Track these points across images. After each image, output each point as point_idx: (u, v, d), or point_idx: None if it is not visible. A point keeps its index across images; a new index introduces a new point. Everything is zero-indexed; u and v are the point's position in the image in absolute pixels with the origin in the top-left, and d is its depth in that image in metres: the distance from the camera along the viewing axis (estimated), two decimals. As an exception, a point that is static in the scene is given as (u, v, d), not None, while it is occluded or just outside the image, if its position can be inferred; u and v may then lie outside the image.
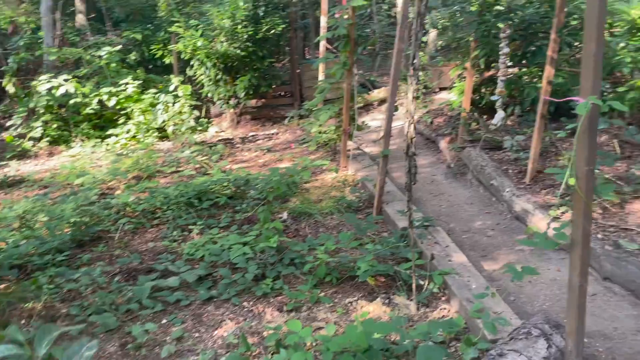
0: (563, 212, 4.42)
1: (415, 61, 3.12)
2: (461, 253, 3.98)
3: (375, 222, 4.70)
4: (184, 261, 4.15)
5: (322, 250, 3.97)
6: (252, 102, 10.00)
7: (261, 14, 9.27)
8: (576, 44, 6.13)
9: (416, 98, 7.67)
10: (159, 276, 3.91)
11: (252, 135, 9.11)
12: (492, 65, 6.36)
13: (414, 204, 5.31)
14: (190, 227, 4.81)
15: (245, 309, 3.55)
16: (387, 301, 3.54)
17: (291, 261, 4.05)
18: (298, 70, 10.25)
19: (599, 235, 4.01)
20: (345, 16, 5.99)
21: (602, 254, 3.70)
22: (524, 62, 6.33)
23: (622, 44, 5.50)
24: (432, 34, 9.91)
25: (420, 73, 7.88)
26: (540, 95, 4.92)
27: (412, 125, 3.26)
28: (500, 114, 5.33)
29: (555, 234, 2.53)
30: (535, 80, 6.23)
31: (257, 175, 5.91)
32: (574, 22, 6.03)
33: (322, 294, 3.67)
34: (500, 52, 5.28)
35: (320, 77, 8.16)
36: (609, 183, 4.24)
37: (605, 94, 5.70)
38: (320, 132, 7.24)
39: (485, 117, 6.93)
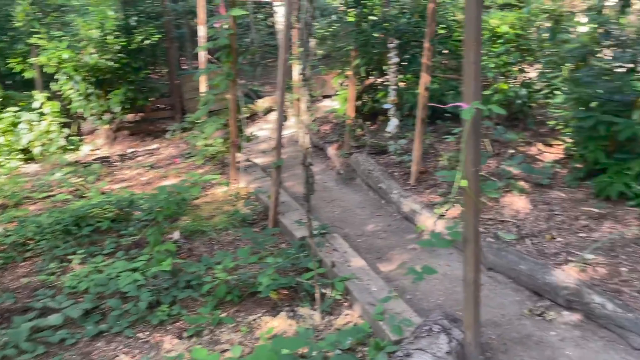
0: (447, 210, 4.70)
1: (305, 71, 3.11)
2: (359, 257, 4.06)
3: (272, 234, 4.63)
4: (66, 295, 3.75)
5: (220, 268, 3.81)
6: (129, 117, 9.42)
7: (133, 23, 8.79)
8: (445, 51, 6.59)
9: (308, 107, 7.68)
10: (37, 315, 3.49)
11: (132, 152, 8.58)
12: (372, 73, 6.62)
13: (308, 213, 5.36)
14: (69, 257, 4.37)
15: (141, 341, 3.30)
16: (291, 314, 3.49)
17: (187, 284, 3.84)
18: (177, 82, 9.87)
19: (481, 229, 4.30)
20: (226, 26, 5.87)
21: (485, 246, 3.98)
22: (400, 69, 6.66)
23: (484, 51, 6.00)
24: (312, 43, 10.09)
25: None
26: (419, 101, 5.19)
27: (308, 136, 3.24)
28: (393, 121, 5.56)
29: (449, 232, 2.65)
30: (412, 87, 6.59)
31: (142, 195, 5.55)
32: (441, 31, 6.48)
33: (224, 314, 3.53)
34: (389, 62, 5.50)
35: (203, 88, 7.92)
36: (487, 180, 4.58)
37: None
38: (206, 145, 7.02)
39: (368, 123, 7.19)
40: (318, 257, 3.99)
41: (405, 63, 6.44)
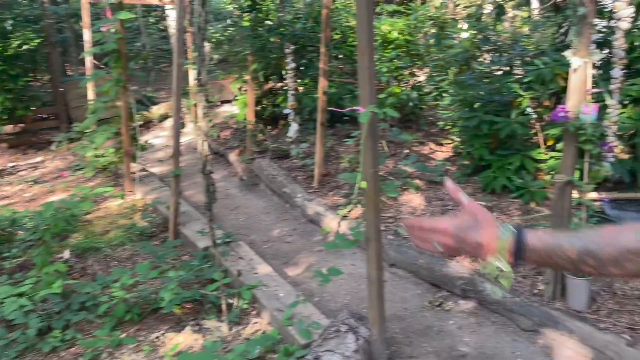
0: (350, 210, 4.80)
1: (201, 76, 3.03)
2: (265, 264, 4.02)
3: (173, 246, 4.45)
4: (-63, 331, 3.33)
5: (117, 286, 3.59)
6: (8, 128, 8.62)
7: (9, 27, 8.06)
8: (340, 56, 6.75)
9: (205, 114, 7.49)
10: None
11: (13, 167, 7.85)
12: (271, 78, 6.62)
13: (212, 222, 5.22)
14: (-61, 287, 3.89)
15: (31, 372, 3.01)
16: (197, 328, 3.37)
17: (82, 305, 3.57)
18: (62, 89, 9.19)
19: (382, 227, 4.44)
20: (114, 30, 5.57)
21: (387, 244, 4.12)
22: (297, 74, 6.73)
23: (376, 56, 6.23)
24: (207, 47, 9.86)
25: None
26: (318, 105, 5.27)
27: (206, 143, 3.15)
28: (294, 126, 5.58)
29: (352, 233, 2.71)
30: (311, 91, 6.67)
31: (26, 213, 5.08)
32: (337, 36, 6.64)
33: (124, 334, 3.32)
34: (287, 67, 5.51)
35: (91, 95, 7.45)
36: (387, 180, 4.75)
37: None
38: (97, 156, 6.59)
39: (270, 128, 7.17)
40: (223, 267, 3.90)
41: (303, 68, 6.51)
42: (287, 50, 5.42)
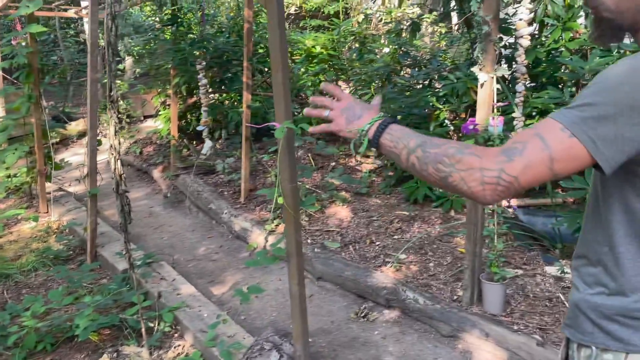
0: (277, 225, 4.79)
1: (112, 93, 2.91)
2: (189, 284, 3.91)
3: (91, 270, 4.23)
4: None
5: (28, 315, 3.36)
6: None
7: None
8: (266, 69, 6.76)
9: (121, 129, 7.25)
10: None
11: None
12: (195, 92, 6.50)
13: (134, 241, 5.01)
14: None
15: None
16: (115, 355, 3.20)
17: (-13, 338, 3.31)
18: (-31, 105, 8.57)
19: (309, 240, 4.46)
20: (24, 43, 5.28)
21: (313, 257, 4.13)
22: (223, 88, 6.66)
23: (302, 70, 6.29)
24: (129, 61, 9.57)
25: (122, 102, 7.52)
26: (242, 119, 5.23)
27: (119, 161, 3.03)
28: (208, 143, 5.50)
29: (273, 249, 2.69)
30: (236, 104, 6.62)
31: None
32: (261, 51, 6.64)
33: (35, 367, 3.11)
34: (199, 83, 5.43)
35: (1, 112, 7.00)
36: (311, 194, 4.77)
37: (295, 114, 6.45)
38: (9, 177, 6.19)
39: (194, 142, 7.03)
40: (143, 289, 3.75)
41: (227, 82, 6.46)
42: (199, 67, 5.36)
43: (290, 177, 2.53)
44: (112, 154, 2.99)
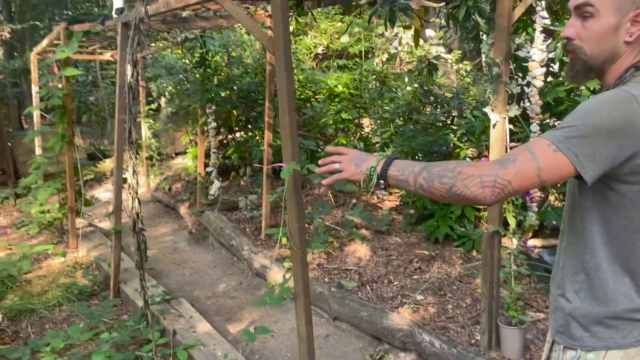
0: (296, 263, 4.79)
1: (132, 135, 3.04)
2: (205, 322, 3.93)
3: (113, 305, 4.32)
4: None
5: (48, 351, 3.44)
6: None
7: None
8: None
9: (152, 166, 7.45)
10: None
11: (-46, 223, 7.55)
12: (221, 130, 6.69)
13: (157, 277, 5.10)
14: None
15: None
16: (129, 392, 3.23)
17: (7, 373, 3.39)
18: (10, 144, 9.02)
19: (326, 279, 4.45)
20: (60, 85, 5.57)
21: (330, 296, 4.10)
22: (249, 126, 6.82)
23: (324, 109, 6.40)
24: (162, 101, 9.93)
25: (153, 140, 7.79)
26: (264, 157, 5.33)
27: (137, 200, 3.13)
28: (216, 184, 5.61)
29: (280, 288, 2.69)
30: (260, 142, 6.74)
31: (-41, 274, 4.87)
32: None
33: (51, 403, 3.15)
34: (209, 127, 5.58)
35: (38, 151, 7.33)
36: (330, 231, 4.75)
37: (319, 150, 6.54)
38: (42, 212, 6.43)
39: (221, 179, 7.17)
40: (160, 326, 3.79)
41: (252, 120, 6.62)
42: (208, 110, 5.53)
43: (297, 216, 2.55)
44: (130, 193, 3.09)
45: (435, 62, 4.66)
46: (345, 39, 9.26)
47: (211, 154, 5.59)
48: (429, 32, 6.87)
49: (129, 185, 3.14)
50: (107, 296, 4.61)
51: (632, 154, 1.17)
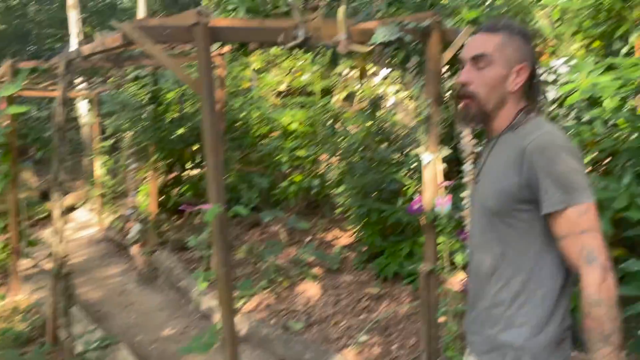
0: (243, 304, 4.69)
1: (58, 177, 2.95)
2: (143, 369, 3.78)
3: (48, 352, 4.12)
4: None
5: (-32, 405, 3.24)
6: None
7: None
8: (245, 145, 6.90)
9: (105, 203, 7.18)
10: None
11: None
12: (174, 167, 6.62)
13: (100, 321, 4.91)
14: None
15: None
16: None
17: None
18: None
19: (272, 321, 4.35)
20: (5, 123, 5.44)
21: (275, 339, 4.00)
22: (203, 164, 6.77)
23: (280, 145, 6.42)
24: (128, 136, 9.78)
25: (107, 178, 7.64)
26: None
27: (62, 244, 3.02)
28: (136, 226, 5.50)
29: (208, 335, 2.61)
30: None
31: None
32: (240, 127, 6.80)
33: None
34: (130, 168, 5.53)
35: (-16, 189, 7.09)
36: (247, 281, 4.68)
37: (278, 188, 6.51)
38: (-16, 253, 6.17)
39: (174, 217, 7.05)
40: (93, 375, 3.62)
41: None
42: (128, 151, 5.50)
43: (223, 260, 2.50)
44: (55, 238, 2.99)
45: (377, 101, 4.75)
46: (305, 77, 9.40)
47: (131, 194, 5.50)
48: (385, 72, 7.02)
49: (55, 230, 3.03)
50: (45, 342, 4.40)
51: None
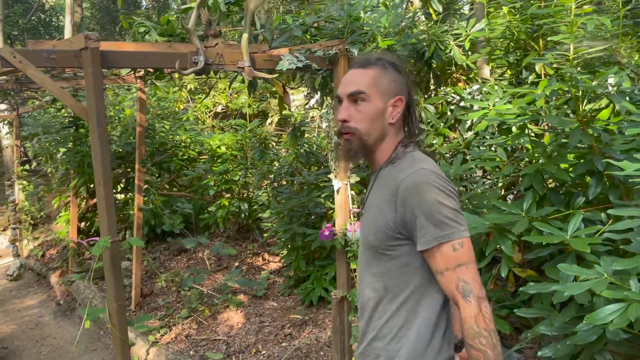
0: (162, 335, 4.50)
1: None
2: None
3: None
4: None
5: None
6: None
7: None
8: (172, 168, 6.73)
9: (25, 230, 6.81)
10: None
11: None
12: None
13: (7, 358, 4.59)
14: None
15: None
16: None
17: None
18: None
19: (192, 352, 4.19)
20: None
21: (192, 371, 3.85)
22: (128, 188, 6.54)
23: (208, 169, 6.30)
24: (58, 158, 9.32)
25: (26, 203, 7.23)
26: (134, 222, 5.08)
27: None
28: (16, 262, 5.26)
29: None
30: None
31: None
32: (169, 150, 6.63)
33: None
34: (9, 199, 5.31)
35: None
36: (146, 314, 4.54)
37: (207, 213, 6.36)
38: None
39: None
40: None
41: (132, 182, 6.35)
42: (7, 183, 5.29)
43: (115, 295, 2.38)
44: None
45: (298, 127, 4.75)
46: (242, 99, 9.34)
47: (11, 228, 5.27)
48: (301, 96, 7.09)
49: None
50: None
51: None
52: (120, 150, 6.24)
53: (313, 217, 5.17)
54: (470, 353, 1.34)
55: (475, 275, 1.36)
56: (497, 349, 1.34)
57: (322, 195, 4.74)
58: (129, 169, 6.28)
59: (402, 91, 1.55)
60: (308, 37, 3.77)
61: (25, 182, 7.15)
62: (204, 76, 8.83)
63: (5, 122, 8.59)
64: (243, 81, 3.97)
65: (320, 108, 5.31)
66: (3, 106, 7.46)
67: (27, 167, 7.53)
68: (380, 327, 1.51)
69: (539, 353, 2.29)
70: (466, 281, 1.35)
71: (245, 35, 2.66)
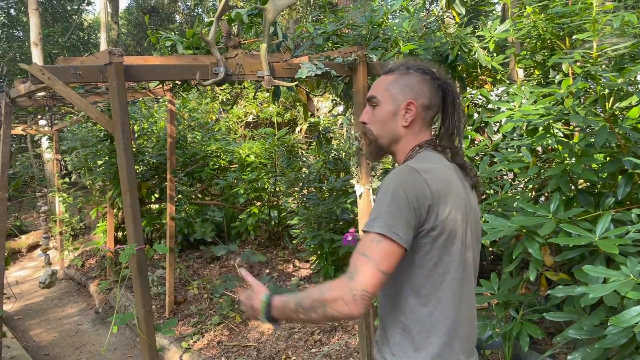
0: (195, 341, 4.58)
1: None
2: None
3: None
4: None
5: None
6: None
7: None
8: (205, 177, 6.86)
9: (66, 241, 7.01)
10: None
11: None
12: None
13: (48, 364, 4.76)
14: None
15: None
16: None
17: None
18: None
19: (223, 358, 4.25)
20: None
21: (223, 377, 3.90)
22: (162, 198, 6.70)
23: (238, 178, 6.39)
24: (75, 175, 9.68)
25: (66, 214, 7.51)
26: (166, 231, 5.20)
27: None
28: (47, 270, 5.41)
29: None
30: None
31: None
32: (200, 160, 6.77)
33: None
34: (40, 211, 5.47)
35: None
36: (172, 319, 4.60)
37: (238, 221, 6.45)
38: None
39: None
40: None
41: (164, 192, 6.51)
42: (38, 194, 5.46)
43: (142, 301, 2.44)
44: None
45: (324, 133, 4.77)
46: (271, 108, 9.46)
47: (42, 238, 5.43)
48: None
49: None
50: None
51: (426, 217, 1.37)
52: (154, 161, 6.41)
53: (341, 222, 5.17)
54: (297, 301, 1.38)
55: (368, 273, 1.30)
56: (302, 308, 1.36)
57: (349, 201, 4.75)
58: (163, 179, 6.44)
59: (420, 95, 1.55)
60: (330, 44, 3.80)
61: (65, 195, 7.43)
62: (235, 87, 8.96)
63: (46, 136, 8.95)
64: (268, 90, 4.04)
65: (344, 114, 5.33)
66: (43, 122, 7.79)
67: (66, 179, 7.81)
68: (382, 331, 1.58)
69: (569, 357, 2.23)
70: (358, 270, 1.30)
71: (264, 45, 2.71)
